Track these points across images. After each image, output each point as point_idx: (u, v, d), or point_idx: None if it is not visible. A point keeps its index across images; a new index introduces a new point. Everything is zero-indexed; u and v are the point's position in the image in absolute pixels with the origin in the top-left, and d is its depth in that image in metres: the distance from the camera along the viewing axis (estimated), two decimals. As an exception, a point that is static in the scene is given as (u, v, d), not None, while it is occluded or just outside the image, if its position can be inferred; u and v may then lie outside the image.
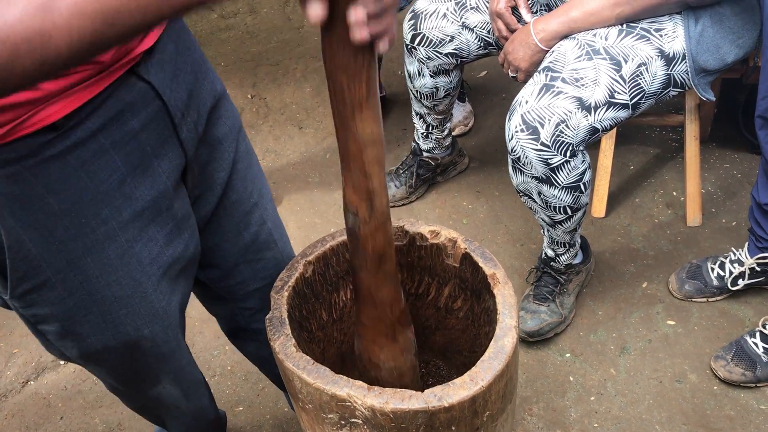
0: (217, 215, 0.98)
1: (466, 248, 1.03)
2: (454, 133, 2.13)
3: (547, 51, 1.45)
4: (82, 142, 0.74)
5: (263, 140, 2.34)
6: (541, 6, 1.61)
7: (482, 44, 1.67)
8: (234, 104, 1.00)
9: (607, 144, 1.86)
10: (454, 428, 0.85)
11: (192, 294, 1.11)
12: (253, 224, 1.03)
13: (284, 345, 0.91)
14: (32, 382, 1.69)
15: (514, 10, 1.56)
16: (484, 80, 2.47)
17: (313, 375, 0.86)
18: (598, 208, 1.92)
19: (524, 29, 1.47)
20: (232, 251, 1.03)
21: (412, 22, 1.69)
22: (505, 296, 0.96)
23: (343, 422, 0.88)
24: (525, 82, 1.52)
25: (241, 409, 1.60)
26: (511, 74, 1.54)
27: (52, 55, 0.51)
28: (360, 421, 0.86)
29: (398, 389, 0.84)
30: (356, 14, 0.65)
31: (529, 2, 1.59)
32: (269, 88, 2.56)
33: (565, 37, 1.43)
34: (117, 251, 0.82)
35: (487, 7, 1.62)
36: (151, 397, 1.05)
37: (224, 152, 0.95)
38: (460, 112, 2.24)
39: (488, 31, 1.64)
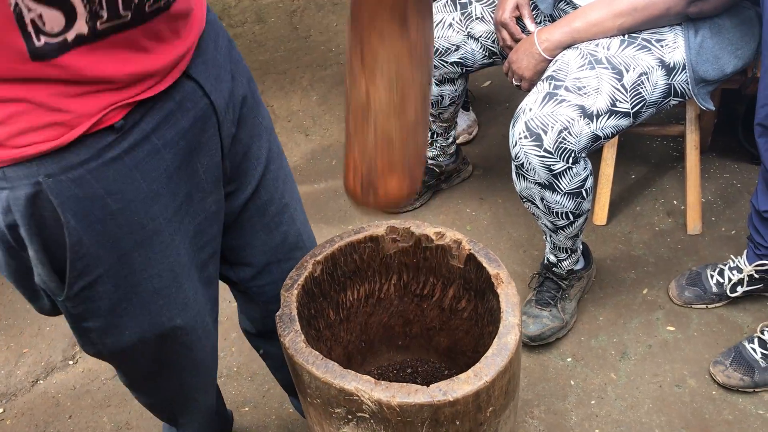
0: (249, 213, 1.01)
1: (470, 249, 1.06)
2: (458, 142, 2.16)
3: (551, 60, 1.48)
4: (138, 143, 0.78)
5: (270, 147, 2.37)
6: (544, 17, 1.65)
7: (487, 54, 1.70)
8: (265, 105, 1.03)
9: (609, 153, 1.89)
10: (458, 422, 0.88)
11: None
12: (283, 224, 1.06)
13: (294, 341, 0.94)
14: (41, 382, 1.72)
15: (519, 20, 1.60)
16: (488, 90, 2.50)
17: (322, 369, 0.89)
18: (600, 215, 1.95)
19: (528, 39, 1.51)
20: (263, 250, 1.06)
21: (419, 31, 1.72)
22: (509, 295, 0.99)
23: (350, 416, 0.91)
24: (528, 90, 1.56)
25: (246, 409, 1.62)
26: (515, 83, 1.57)
27: None
28: (367, 415, 0.88)
29: (404, 384, 0.87)
30: None
31: (533, 13, 1.62)
32: (277, 96, 2.60)
33: (568, 46, 1.46)
34: (161, 245, 0.85)
35: (492, 18, 1.66)
36: (171, 388, 1.08)
37: (257, 150, 0.98)
38: (464, 120, 2.28)
39: (493, 41, 1.68)
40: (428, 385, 0.87)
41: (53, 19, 0.65)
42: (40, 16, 0.64)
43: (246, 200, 1.00)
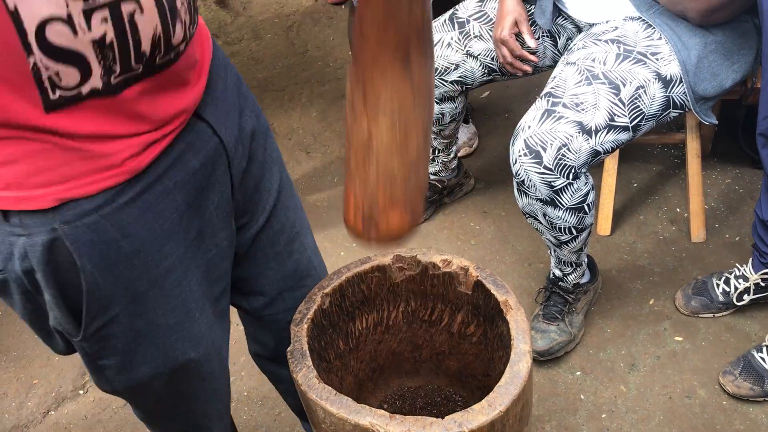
0: (261, 244, 1.02)
1: (477, 276, 1.07)
2: (459, 155, 2.17)
3: None
4: (150, 185, 0.79)
5: (271, 166, 2.38)
6: (543, 32, 1.65)
7: (486, 71, 1.71)
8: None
9: (611, 163, 1.90)
10: (473, 454, 0.88)
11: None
12: (295, 252, 1.07)
13: (306, 377, 0.94)
14: (53, 412, 1.72)
15: (518, 36, 1.60)
16: (487, 101, 2.51)
17: (336, 405, 0.90)
18: (604, 226, 1.95)
19: None
20: (275, 279, 1.06)
21: (417, 50, 1.73)
22: (518, 322, 0.99)
23: (365, 450, 0.91)
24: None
25: (258, 434, 1.63)
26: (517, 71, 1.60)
27: None
28: (382, 449, 0.89)
29: (419, 417, 0.87)
30: None
31: (532, 29, 1.63)
32: (276, 114, 2.61)
33: None
34: (174, 282, 0.86)
35: (490, 36, 1.66)
36: (186, 419, 1.08)
37: (268, 183, 0.99)
38: (465, 133, 2.28)
39: (492, 59, 1.68)
40: (441, 414, 0.88)
41: (69, 75, 0.66)
42: (57, 74, 0.65)
43: (258, 231, 1.01)
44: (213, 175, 0.87)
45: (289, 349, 0.98)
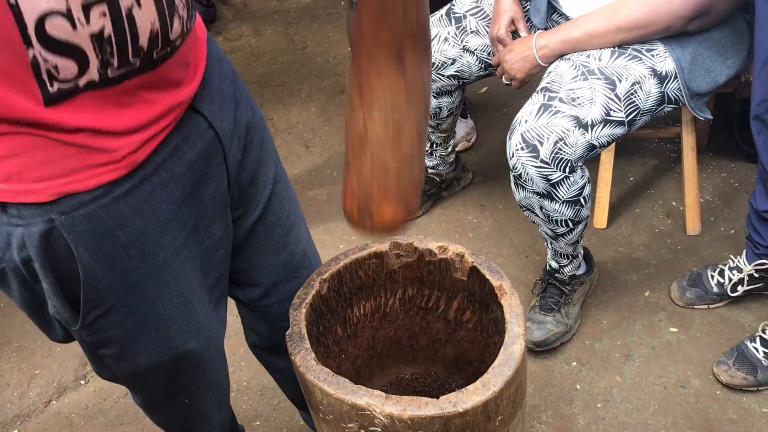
0: (256, 236, 1.04)
1: (473, 262, 1.09)
2: (457, 149, 2.18)
3: (546, 66, 1.51)
4: (147, 177, 0.80)
5: (271, 160, 2.40)
6: (537, 30, 1.67)
7: (483, 66, 1.73)
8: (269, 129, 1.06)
9: (607, 157, 1.92)
10: (467, 433, 0.90)
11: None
12: (290, 244, 1.09)
13: (305, 358, 0.96)
14: (54, 402, 1.74)
15: (514, 34, 1.62)
16: (485, 96, 2.53)
17: (334, 386, 0.92)
18: (600, 219, 1.97)
19: (524, 42, 1.53)
20: (270, 270, 1.08)
21: (415, 45, 1.75)
22: (512, 306, 1.01)
23: (362, 431, 0.93)
24: (519, 88, 1.60)
25: (258, 423, 1.65)
26: (505, 81, 1.60)
27: None
28: (379, 429, 0.91)
29: (415, 397, 0.89)
30: None
31: (528, 25, 1.65)
32: (276, 109, 2.63)
33: (564, 54, 1.49)
34: (172, 273, 0.88)
35: (487, 31, 1.68)
36: (186, 407, 1.10)
37: (263, 175, 1.00)
38: (463, 128, 2.30)
39: (488, 54, 1.70)
40: (437, 397, 0.90)
41: (67, 68, 0.68)
42: (56, 67, 0.67)
43: (253, 223, 1.03)
44: (209, 167, 0.88)
45: (288, 332, 1.00)
